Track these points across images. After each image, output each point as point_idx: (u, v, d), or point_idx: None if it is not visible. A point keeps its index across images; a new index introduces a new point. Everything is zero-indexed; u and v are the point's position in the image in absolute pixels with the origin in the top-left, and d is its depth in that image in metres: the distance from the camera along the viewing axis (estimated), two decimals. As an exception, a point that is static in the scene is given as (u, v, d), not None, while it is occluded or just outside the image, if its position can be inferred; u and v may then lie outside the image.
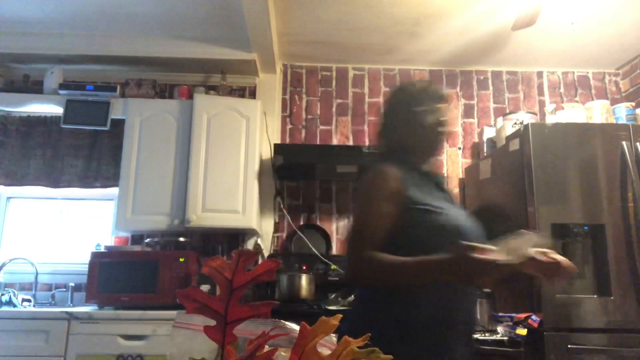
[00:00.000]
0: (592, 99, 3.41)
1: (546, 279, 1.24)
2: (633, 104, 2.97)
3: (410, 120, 1.45)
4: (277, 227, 3.23)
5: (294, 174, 3.22)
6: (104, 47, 3.13)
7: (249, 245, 3.17)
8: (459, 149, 3.42)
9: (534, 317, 2.26)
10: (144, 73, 3.30)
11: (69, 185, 3.14)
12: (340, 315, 0.51)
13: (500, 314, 2.48)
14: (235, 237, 3.20)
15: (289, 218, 3.22)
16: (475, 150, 3.40)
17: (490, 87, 3.53)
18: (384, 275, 1.27)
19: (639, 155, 2.43)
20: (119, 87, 3.07)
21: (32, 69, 3.24)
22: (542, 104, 3.44)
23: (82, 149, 3.19)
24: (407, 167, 1.40)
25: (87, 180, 3.16)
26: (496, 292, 2.56)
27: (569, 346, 2.22)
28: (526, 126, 2.53)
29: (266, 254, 3.13)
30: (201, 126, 2.95)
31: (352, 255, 1.31)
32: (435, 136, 1.46)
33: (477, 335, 2.31)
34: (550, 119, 2.90)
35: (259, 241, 3.12)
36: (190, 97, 3.13)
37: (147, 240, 3.01)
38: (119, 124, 3.07)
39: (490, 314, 2.46)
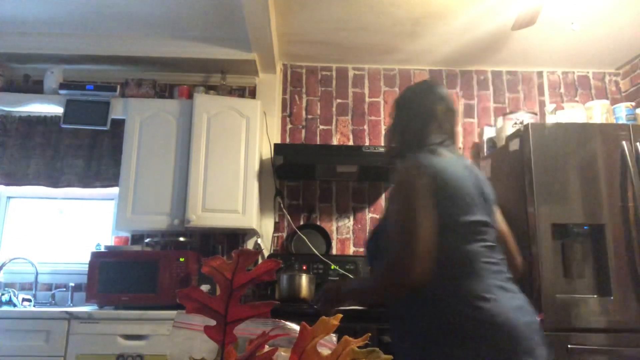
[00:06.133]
0: (592, 99, 3.41)
1: None
2: (633, 103, 2.97)
3: (424, 109, 1.53)
4: (277, 227, 3.23)
5: (294, 174, 3.22)
6: (104, 47, 3.12)
7: (249, 245, 3.17)
8: (459, 148, 3.42)
9: (534, 317, 2.26)
10: (144, 73, 3.30)
11: (69, 185, 3.14)
12: (340, 315, 0.51)
13: (500, 314, 2.47)
14: (235, 237, 3.20)
15: (289, 218, 3.22)
16: (475, 150, 3.40)
17: (490, 87, 3.53)
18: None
19: (639, 155, 2.44)
20: (119, 87, 3.07)
21: (32, 69, 3.24)
22: (542, 104, 3.44)
23: (82, 149, 3.19)
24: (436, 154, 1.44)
25: (87, 180, 3.16)
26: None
27: (569, 346, 2.22)
28: (526, 126, 2.53)
29: (266, 254, 3.13)
30: (201, 126, 2.95)
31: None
32: (447, 119, 1.53)
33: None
34: (550, 119, 2.90)
35: (259, 241, 3.12)
36: (190, 97, 3.13)
37: (147, 240, 3.01)
38: (119, 124, 3.07)
39: (490, 314, 2.46)
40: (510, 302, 1.28)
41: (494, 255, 1.36)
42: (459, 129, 3.44)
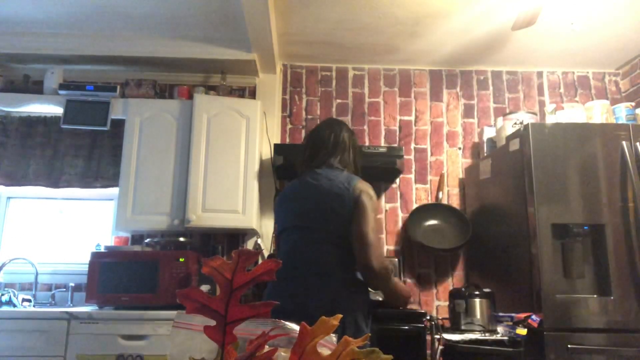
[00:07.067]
0: (592, 99, 3.41)
1: None
2: (633, 104, 2.97)
3: (312, 141, 2.05)
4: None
5: (294, 174, 3.20)
6: (104, 47, 3.12)
7: (249, 245, 3.17)
8: (459, 149, 3.42)
9: (534, 317, 2.26)
10: (144, 73, 3.30)
11: (69, 185, 3.14)
12: (340, 315, 0.51)
13: (500, 314, 2.48)
14: (235, 237, 3.20)
15: (289, 218, 3.21)
16: (475, 150, 3.40)
17: (490, 87, 3.53)
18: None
19: (639, 155, 2.44)
20: (119, 87, 3.07)
21: (32, 69, 3.24)
22: (542, 104, 3.44)
23: (82, 149, 3.19)
24: None
25: (87, 180, 3.15)
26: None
27: (569, 346, 2.22)
28: (526, 126, 2.53)
29: (266, 254, 3.13)
30: (201, 126, 2.95)
31: (378, 251, 1.79)
32: (337, 147, 2.00)
33: (477, 336, 2.32)
34: (550, 119, 2.90)
35: (259, 241, 3.11)
36: (190, 97, 3.13)
37: (147, 240, 3.01)
38: (119, 124, 3.07)
39: (490, 314, 2.46)
40: (273, 284, 1.83)
41: (287, 250, 1.87)
42: (459, 130, 3.44)
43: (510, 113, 3.06)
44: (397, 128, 3.43)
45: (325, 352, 0.50)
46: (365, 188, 1.85)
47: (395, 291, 1.87)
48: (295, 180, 2.00)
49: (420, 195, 3.34)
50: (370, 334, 0.52)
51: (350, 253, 1.79)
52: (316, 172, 1.90)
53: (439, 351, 2.31)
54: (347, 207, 1.79)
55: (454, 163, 3.39)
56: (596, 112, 2.88)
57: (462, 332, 2.39)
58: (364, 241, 1.75)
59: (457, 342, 2.29)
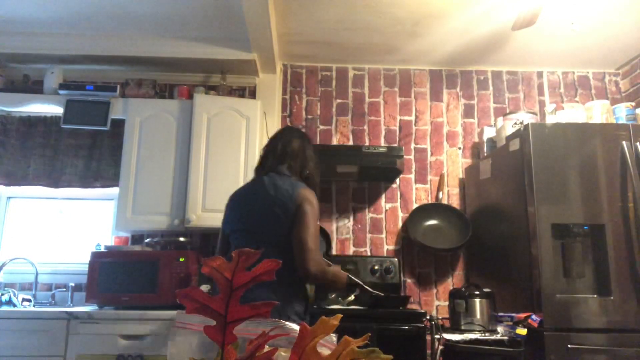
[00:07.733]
0: (592, 99, 3.41)
1: None
2: (633, 104, 2.97)
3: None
4: (277, 227, 3.22)
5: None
6: (104, 47, 3.12)
7: (249, 245, 3.16)
8: (459, 149, 3.42)
9: (534, 317, 2.26)
10: (144, 73, 3.30)
11: (69, 185, 3.14)
12: (340, 315, 0.51)
13: (500, 314, 2.48)
14: (235, 237, 3.20)
15: (289, 218, 3.21)
16: (475, 150, 3.40)
17: (490, 87, 3.53)
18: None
19: (639, 155, 2.44)
20: (119, 87, 3.07)
21: (32, 69, 3.24)
22: (542, 104, 3.44)
23: (82, 149, 3.19)
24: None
25: (87, 180, 3.16)
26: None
27: (569, 346, 2.22)
28: (526, 126, 2.53)
29: (266, 254, 3.12)
30: (201, 126, 2.95)
31: (315, 256, 1.83)
32: (286, 153, 2.06)
33: (477, 336, 2.32)
34: (550, 119, 2.90)
35: (259, 241, 3.11)
36: (190, 97, 3.13)
37: (147, 240, 3.01)
38: (119, 124, 3.07)
39: (490, 314, 2.46)
40: None
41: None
42: (459, 130, 3.44)
43: (510, 113, 3.06)
44: (397, 128, 3.43)
45: (325, 352, 0.50)
46: (307, 195, 1.90)
47: (333, 281, 1.97)
48: (248, 183, 2.09)
49: (420, 195, 3.34)
50: (370, 334, 0.51)
51: (292, 255, 1.85)
52: (265, 178, 1.98)
53: (439, 351, 2.31)
54: (289, 213, 1.86)
55: (454, 163, 3.39)
56: (596, 112, 2.88)
57: (462, 332, 2.39)
58: (303, 247, 1.82)
59: (457, 342, 2.29)
